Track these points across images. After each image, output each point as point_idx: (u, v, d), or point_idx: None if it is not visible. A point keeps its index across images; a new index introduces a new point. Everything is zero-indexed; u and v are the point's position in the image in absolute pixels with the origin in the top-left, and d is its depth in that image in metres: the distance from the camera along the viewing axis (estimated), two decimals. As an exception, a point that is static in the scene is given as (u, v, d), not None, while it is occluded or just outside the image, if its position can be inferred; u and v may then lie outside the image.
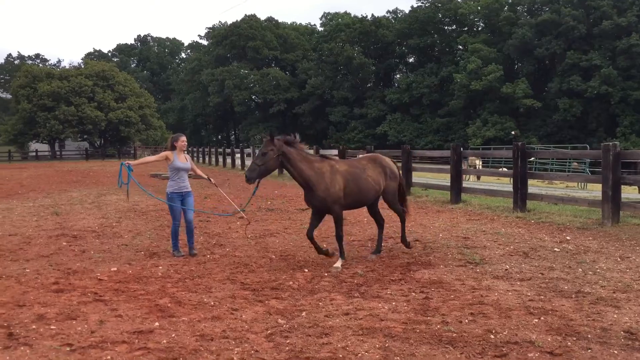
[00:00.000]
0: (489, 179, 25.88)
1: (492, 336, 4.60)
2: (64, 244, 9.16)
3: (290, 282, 6.50)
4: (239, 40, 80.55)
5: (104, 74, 64.79)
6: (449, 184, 14.19)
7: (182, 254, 8.16)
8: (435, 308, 5.41)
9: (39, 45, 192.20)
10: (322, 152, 22.93)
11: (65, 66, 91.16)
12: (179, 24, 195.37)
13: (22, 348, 4.47)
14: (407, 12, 72.99)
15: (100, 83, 64.21)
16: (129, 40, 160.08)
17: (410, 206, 8.96)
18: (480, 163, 29.98)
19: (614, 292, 5.79)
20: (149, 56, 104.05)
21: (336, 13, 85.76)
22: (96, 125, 62.44)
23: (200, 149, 47.58)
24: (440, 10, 67.87)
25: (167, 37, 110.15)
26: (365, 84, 74.37)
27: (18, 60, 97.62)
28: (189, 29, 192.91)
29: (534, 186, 18.87)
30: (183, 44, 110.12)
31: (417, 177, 17.91)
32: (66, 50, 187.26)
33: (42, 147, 66.54)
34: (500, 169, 25.68)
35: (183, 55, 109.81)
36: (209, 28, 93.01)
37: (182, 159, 8.22)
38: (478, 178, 26.83)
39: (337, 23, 77.81)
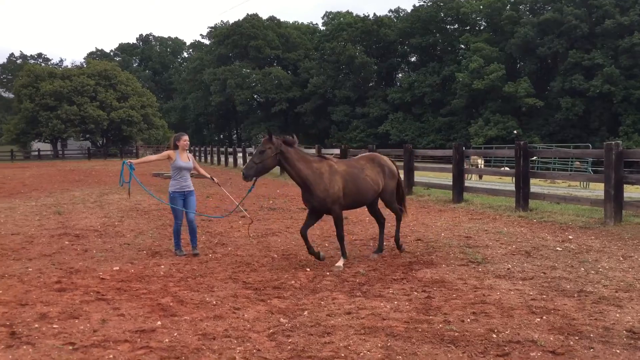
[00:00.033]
0: (491, 178, 25.88)
1: (494, 335, 4.60)
2: (67, 243, 9.18)
3: (293, 281, 6.51)
4: (241, 40, 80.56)
5: (106, 74, 64.86)
6: (451, 183, 14.18)
7: (185, 253, 8.17)
8: (437, 307, 5.41)
9: (41, 45, 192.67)
10: (323, 151, 22.96)
11: (67, 65, 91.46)
12: (181, 23, 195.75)
13: (24, 347, 4.48)
14: (409, 11, 72.97)
15: (102, 82, 64.29)
16: (131, 39, 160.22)
17: (409, 206, 8.96)
18: (483, 162, 29.98)
19: (616, 292, 5.78)
20: (151, 55, 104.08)
21: (338, 12, 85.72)
22: (98, 124, 62.54)
23: (202, 149, 47.66)
24: (442, 9, 67.79)
25: (169, 37, 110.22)
26: (367, 83, 74.35)
27: (20, 60, 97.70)
28: (191, 28, 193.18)
29: (536, 185, 18.85)
30: (185, 43, 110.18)
31: (419, 176, 17.91)
32: (68, 49, 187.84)
33: (45, 147, 66.64)
34: (503, 168, 25.71)
35: (185, 54, 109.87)
36: (211, 27, 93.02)
37: (185, 158, 8.22)
38: (480, 177, 26.83)
39: (339, 22, 77.77)
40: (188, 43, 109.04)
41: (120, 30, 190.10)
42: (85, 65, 74.79)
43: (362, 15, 76.00)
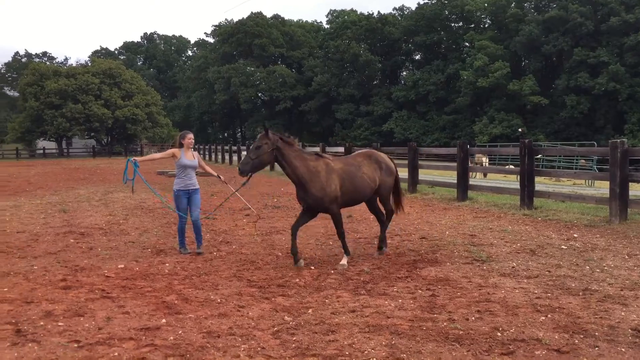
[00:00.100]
0: (496, 176, 25.83)
1: (498, 334, 4.59)
2: (72, 241, 9.21)
3: (297, 280, 6.51)
4: (245, 38, 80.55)
5: (110, 72, 65.08)
6: (455, 181, 14.15)
7: (189, 251, 8.18)
8: (441, 305, 5.40)
9: (46, 43, 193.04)
10: (328, 149, 22.96)
11: (72, 64, 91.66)
12: (185, 21, 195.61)
13: (30, 344, 4.49)
14: (413, 9, 72.73)
15: (107, 81, 64.51)
16: (135, 38, 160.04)
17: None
18: (487, 160, 29.90)
19: (621, 290, 5.76)
20: (155, 54, 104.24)
21: (342, 10, 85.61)
22: (103, 123, 62.76)
23: (207, 147, 47.75)
24: (446, 7, 67.58)
25: (174, 35, 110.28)
26: (371, 81, 74.22)
27: (25, 58, 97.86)
28: (195, 27, 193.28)
29: (541, 184, 18.79)
30: (189, 41, 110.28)
31: (423, 174, 17.88)
32: (73, 48, 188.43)
33: (50, 145, 66.94)
34: (507, 167, 25.62)
35: (189, 53, 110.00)
36: (215, 26, 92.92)
37: (189, 157, 8.23)
38: (485, 175, 26.76)
39: (343, 20, 77.65)
40: (192, 41, 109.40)
41: (124, 28, 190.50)
42: (90, 64, 75.04)
43: (366, 13, 75.86)
